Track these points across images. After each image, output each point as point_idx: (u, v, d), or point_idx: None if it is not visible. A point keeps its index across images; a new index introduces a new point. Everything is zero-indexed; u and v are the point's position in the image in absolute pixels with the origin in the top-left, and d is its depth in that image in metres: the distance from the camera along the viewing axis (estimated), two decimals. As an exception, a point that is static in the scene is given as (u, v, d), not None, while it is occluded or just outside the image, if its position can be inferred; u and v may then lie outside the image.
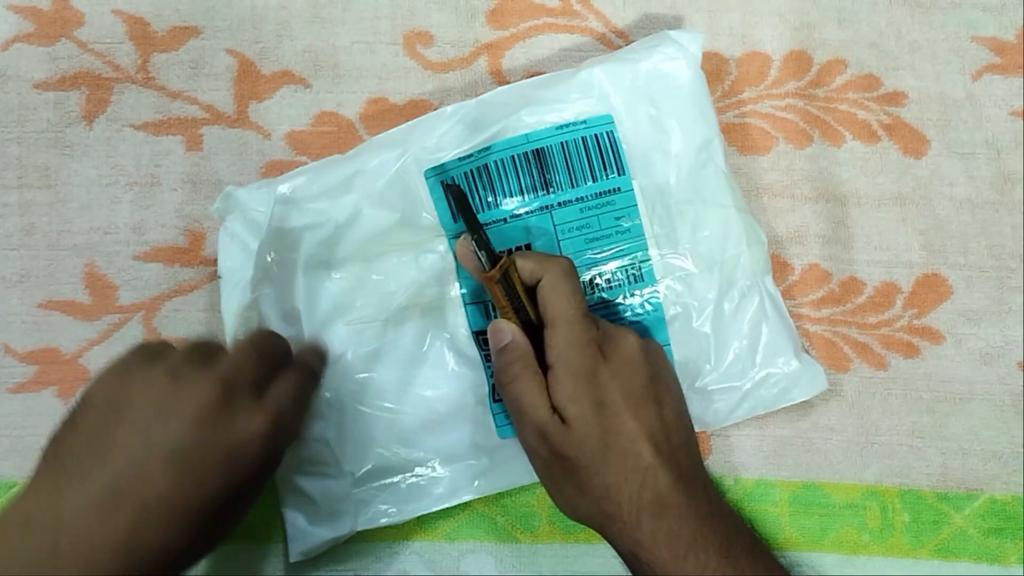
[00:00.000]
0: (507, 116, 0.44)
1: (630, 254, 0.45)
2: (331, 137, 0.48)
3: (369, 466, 0.43)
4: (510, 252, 0.44)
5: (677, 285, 0.45)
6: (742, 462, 0.46)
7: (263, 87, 0.49)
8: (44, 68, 0.48)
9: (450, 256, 0.45)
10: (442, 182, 0.44)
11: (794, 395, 0.45)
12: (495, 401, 0.44)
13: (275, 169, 0.48)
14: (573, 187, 0.45)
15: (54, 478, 0.32)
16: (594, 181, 0.45)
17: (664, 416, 0.38)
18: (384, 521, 0.43)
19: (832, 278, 0.48)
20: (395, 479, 0.43)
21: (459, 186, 0.43)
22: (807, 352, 0.47)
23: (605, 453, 0.37)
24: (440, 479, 0.44)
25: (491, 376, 0.44)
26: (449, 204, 0.44)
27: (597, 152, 0.45)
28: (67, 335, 0.46)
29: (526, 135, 0.45)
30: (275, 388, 0.36)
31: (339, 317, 0.44)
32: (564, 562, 0.45)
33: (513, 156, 0.44)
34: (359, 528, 0.43)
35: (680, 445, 0.38)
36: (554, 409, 0.38)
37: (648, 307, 0.45)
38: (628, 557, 0.38)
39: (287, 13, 0.50)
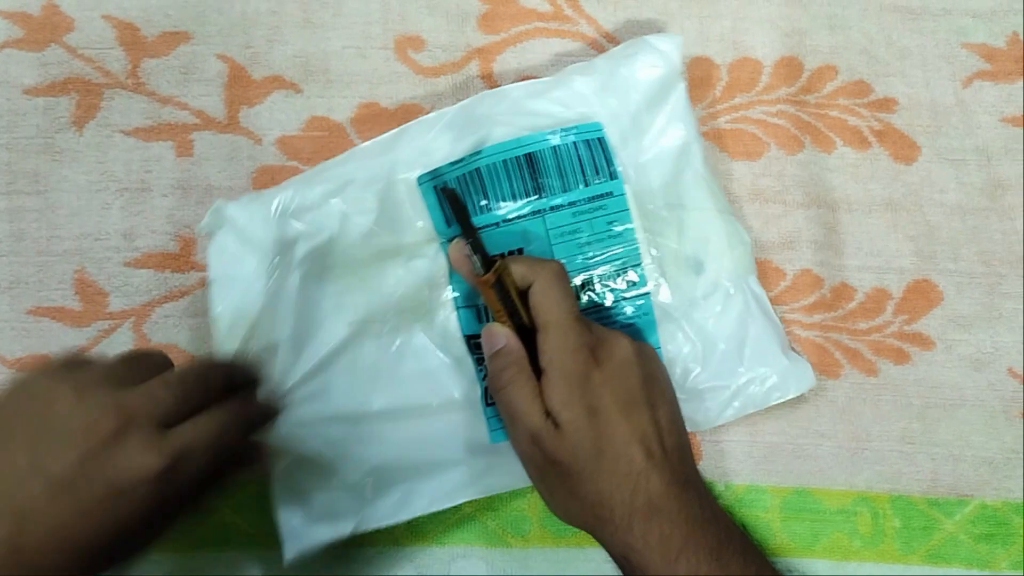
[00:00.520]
0: (493, 122, 0.44)
1: (622, 258, 0.45)
2: (322, 142, 0.48)
3: (364, 469, 0.43)
4: (503, 256, 0.44)
5: (666, 287, 0.45)
6: (733, 468, 0.46)
7: (254, 92, 0.49)
8: (34, 73, 0.48)
9: (442, 260, 0.45)
10: (436, 187, 0.44)
11: (783, 392, 0.45)
12: (488, 405, 0.44)
13: (266, 174, 0.48)
14: (565, 191, 0.45)
15: None
16: (586, 186, 0.45)
17: (657, 419, 0.38)
18: (378, 524, 0.43)
19: (823, 284, 0.48)
20: (388, 483, 0.43)
21: (455, 190, 0.43)
22: (794, 350, 0.47)
23: (598, 458, 0.37)
24: (433, 483, 0.43)
25: (483, 380, 0.44)
26: (443, 208, 0.44)
27: (589, 157, 0.45)
28: (57, 342, 0.46)
29: (518, 139, 0.45)
30: (186, 427, 0.33)
31: (333, 323, 0.44)
32: (555, 566, 0.45)
33: (505, 160, 0.44)
34: (356, 531, 0.42)
35: (673, 448, 0.38)
36: (547, 414, 0.38)
37: (639, 310, 0.45)
38: (620, 561, 0.38)
39: (278, 18, 0.49)
